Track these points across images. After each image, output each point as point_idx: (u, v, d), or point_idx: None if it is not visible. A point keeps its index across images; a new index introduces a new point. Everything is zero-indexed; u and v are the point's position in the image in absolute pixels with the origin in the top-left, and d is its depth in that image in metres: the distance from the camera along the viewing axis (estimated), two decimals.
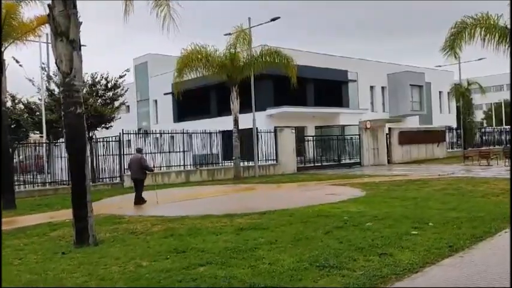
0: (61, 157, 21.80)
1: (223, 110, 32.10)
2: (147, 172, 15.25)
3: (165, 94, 45.32)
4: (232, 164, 24.33)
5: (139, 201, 14.80)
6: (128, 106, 54.08)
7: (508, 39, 16.09)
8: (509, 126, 45.66)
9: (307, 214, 10.68)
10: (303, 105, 37.04)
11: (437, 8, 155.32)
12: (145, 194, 15.12)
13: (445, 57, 17.06)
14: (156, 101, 49.39)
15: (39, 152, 21.19)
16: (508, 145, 38.53)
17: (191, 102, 43.06)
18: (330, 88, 39.70)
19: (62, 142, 22.66)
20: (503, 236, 7.76)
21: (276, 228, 9.07)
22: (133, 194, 17.91)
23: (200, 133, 24.80)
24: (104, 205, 14.84)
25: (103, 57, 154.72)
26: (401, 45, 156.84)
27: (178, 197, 16.05)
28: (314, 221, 9.75)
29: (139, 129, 44.86)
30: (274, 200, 15.20)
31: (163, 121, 45.75)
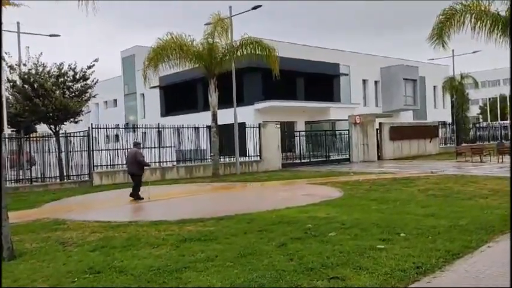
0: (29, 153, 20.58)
1: None
2: (144, 167, 14.84)
3: (152, 87, 43.91)
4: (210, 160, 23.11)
5: (134, 196, 14.23)
6: (115, 100, 52.92)
7: (499, 27, 14.80)
8: (504, 122, 44.41)
9: (268, 220, 9.44)
10: (292, 99, 35.78)
11: (433, 2, 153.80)
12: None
13: (433, 47, 15.76)
14: (143, 94, 47.94)
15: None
16: (502, 141, 37.34)
17: (178, 96, 41.83)
18: (320, 82, 38.41)
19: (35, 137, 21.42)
20: (486, 253, 6.52)
21: (225, 239, 7.83)
22: (97, 193, 16.98)
23: (173, 128, 23.48)
24: (55, 207, 13.63)
25: (95, 52, 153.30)
26: (396, 40, 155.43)
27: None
28: (272, 229, 8.51)
29: (126, 124, 43.76)
30: (241, 202, 13.95)
31: (151, 115, 44.51)
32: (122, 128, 21.85)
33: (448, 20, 15.37)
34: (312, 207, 11.01)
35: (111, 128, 21.14)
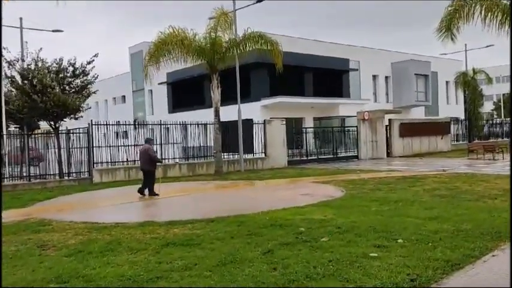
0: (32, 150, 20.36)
1: (221, 100, 30.20)
2: (157, 164, 14.69)
3: (160, 84, 43.64)
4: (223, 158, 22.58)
5: (150, 193, 14.20)
6: (124, 96, 52.67)
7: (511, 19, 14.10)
8: None
9: (260, 223, 8.91)
10: (301, 95, 35.09)
11: None
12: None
13: (441, 39, 15.08)
14: (151, 91, 47.56)
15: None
16: None
17: (186, 92, 41.44)
18: (329, 77, 37.74)
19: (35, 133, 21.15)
20: (489, 263, 5.92)
21: (210, 244, 7.33)
22: (94, 192, 16.74)
23: (177, 124, 23.01)
24: (47, 206, 13.23)
25: (105, 50, 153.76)
26: (407, 35, 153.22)
27: (136, 197, 14.27)
28: (262, 233, 8.00)
29: (135, 120, 43.45)
30: (238, 201, 13.40)
31: (159, 112, 44.17)
32: (122, 125, 21.34)
33: (457, 12, 14.69)
34: (309, 209, 10.47)
35: (111, 124, 20.71)
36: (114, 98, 54.08)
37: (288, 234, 7.76)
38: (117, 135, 21.13)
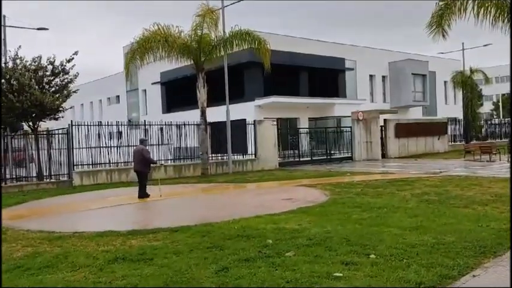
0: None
1: (213, 99, 29.40)
2: (151, 165, 14.51)
3: (153, 84, 42.99)
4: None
5: (143, 195, 13.90)
6: (118, 96, 51.91)
7: (506, 14, 13.34)
8: None
9: (227, 233, 8.18)
10: (295, 95, 34.33)
11: None
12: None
13: (431, 36, 14.31)
14: (145, 90, 46.85)
15: None
16: None
17: (180, 92, 40.66)
18: (325, 77, 37.01)
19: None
20: (469, 284, 5.18)
21: (163, 259, 6.59)
22: (69, 195, 16.13)
23: (160, 125, 22.27)
24: (13, 212, 12.47)
25: (104, 50, 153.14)
26: (405, 34, 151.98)
27: (110, 202, 13.57)
28: (225, 245, 7.26)
29: (129, 121, 42.73)
30: (212, 207, 12.60)
31: (153, 112, 43.45)
32: (104, 125, 20.56)
33: (448, 7, 13.92)
34: (285, 216, 9.73)
35: (93, 125, 20.00)
36: (109, 98, 53.39)
37: (251, 248, 7.02)
38: (99, 136, 20.33)
